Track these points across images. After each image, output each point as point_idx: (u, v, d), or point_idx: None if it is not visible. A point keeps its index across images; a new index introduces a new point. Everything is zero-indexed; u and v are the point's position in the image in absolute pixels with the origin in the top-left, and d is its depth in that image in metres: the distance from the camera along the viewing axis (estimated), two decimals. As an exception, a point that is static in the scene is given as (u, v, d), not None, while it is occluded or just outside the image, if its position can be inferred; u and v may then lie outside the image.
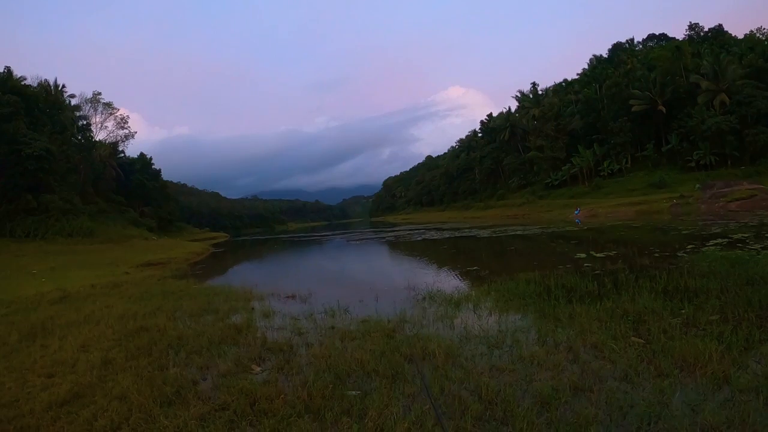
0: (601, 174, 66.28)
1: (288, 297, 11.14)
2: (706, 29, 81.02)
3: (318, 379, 4.82)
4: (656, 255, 13.32)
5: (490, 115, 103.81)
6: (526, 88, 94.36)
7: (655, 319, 6.19)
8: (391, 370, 5.01)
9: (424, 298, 9.51)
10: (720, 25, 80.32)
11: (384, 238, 39.16)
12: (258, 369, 5.53)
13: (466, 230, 37.64)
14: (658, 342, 5.30)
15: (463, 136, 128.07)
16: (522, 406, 3.95)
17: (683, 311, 6.52)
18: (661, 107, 60.06)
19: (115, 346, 6.90)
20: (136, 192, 68.23)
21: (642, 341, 5.43)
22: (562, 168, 72.45)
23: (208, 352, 6.31)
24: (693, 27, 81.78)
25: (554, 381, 4.45)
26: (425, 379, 4.59)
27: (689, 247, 14.41)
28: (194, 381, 5.20)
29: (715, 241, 15.21)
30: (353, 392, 4.48)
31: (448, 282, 11.99)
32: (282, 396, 4.45)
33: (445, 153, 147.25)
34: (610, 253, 14.63)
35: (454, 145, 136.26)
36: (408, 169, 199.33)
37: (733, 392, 4.03)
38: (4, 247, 31.03)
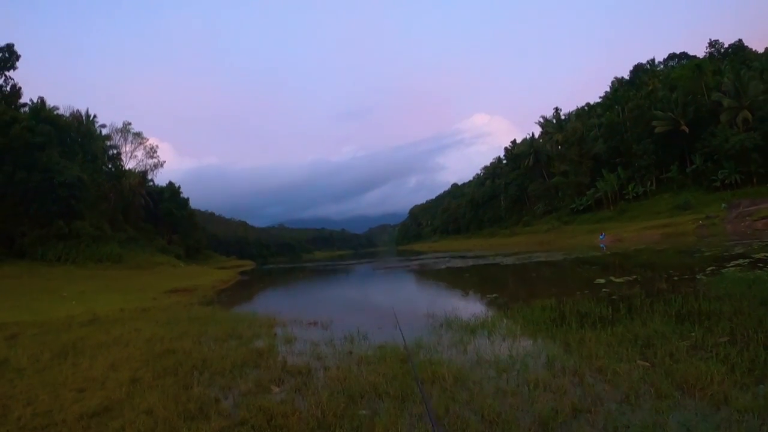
0: (626, 197, 65.54)
1: (310, 323, 11.33)
2: (726, 45, 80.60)
3: (332, 399, 5.06)
4: (675, 278, 13.24)
5: (513, 142, 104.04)
6: (549, 113, 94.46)
7: (663, 342, 6.24)
8: (401, 392, 5.22)
9: (441, 325, 9.62)
10: (740, 41, 79.83)
11: (409, 266, 39.20)
12: (277, 389, 5.82)
13: (490, 258, 37.43)
14: (663, 365, 5.38)
15: (488, 164, 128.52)
16: (521, 426, 4.11)
17: (693, 334, 6.57)
18: (684, 127, 59.48)
19: (143, 366, 7.22)
20: (164, 220, 70.06)
21: (648, 364, 5.51)
22: (587, 192, 71.95)
23: (231, 374, 6.61)
24: (713, 44, 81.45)
25: (556, 403, 4.58)
26: (427, 400, 4.82)
27: (709, 269, 14.27)
28: (216, 399, 5.50)
29: (736, 262, 15.03)
30: (363, 411, 4.72)
31: (467, 309, 12.07)
32: (297, 413, 4.70)
33: (470, 180, 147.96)
34: (629, 278, 14.57)
35: (479, 172, 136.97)
36: (434, 197, 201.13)
37: (731, 413, 4.06)
38: (36, 270, 32.17)
